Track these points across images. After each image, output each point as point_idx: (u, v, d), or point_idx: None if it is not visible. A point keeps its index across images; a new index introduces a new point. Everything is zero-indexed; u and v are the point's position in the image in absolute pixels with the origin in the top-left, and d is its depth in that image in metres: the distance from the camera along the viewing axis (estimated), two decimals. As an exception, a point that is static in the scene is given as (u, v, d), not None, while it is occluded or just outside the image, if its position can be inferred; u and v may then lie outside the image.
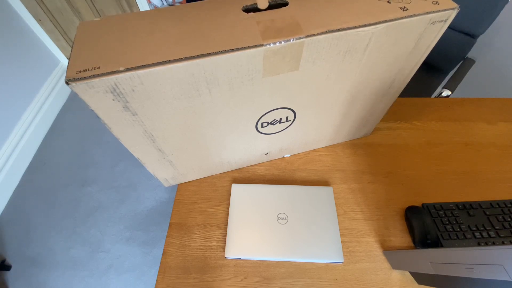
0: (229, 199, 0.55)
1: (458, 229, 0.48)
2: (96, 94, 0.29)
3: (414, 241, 0.48)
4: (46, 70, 1.60)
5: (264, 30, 0.31)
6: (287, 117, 0.46)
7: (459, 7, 0.34)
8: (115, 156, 1.40)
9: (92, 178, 1.34)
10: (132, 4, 1.50)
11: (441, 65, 1.06)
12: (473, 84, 1.22)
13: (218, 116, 0.40)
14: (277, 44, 0.31)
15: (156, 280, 0.46)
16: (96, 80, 0.28)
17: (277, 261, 0.48)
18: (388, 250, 0.48)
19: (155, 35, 0.31)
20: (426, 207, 0.51)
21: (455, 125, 0.61)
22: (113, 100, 0.31)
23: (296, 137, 0.53)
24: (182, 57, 0.29)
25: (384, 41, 0.35)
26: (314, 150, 0.61)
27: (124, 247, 1.13)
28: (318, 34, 0.32)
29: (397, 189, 0.55)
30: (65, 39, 1.63)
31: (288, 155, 0.60)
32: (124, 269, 1.09)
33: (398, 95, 0.50)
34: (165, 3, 1.49)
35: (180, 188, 0.57)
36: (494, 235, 0.47)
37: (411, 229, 0.49)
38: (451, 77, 0.94)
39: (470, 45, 0.95)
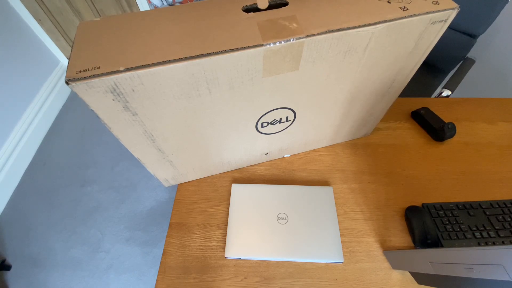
0: (229, 199, 0.55)
1: (458, 229, 0.48)
2: (96, 94, 0.30)
3: (414, 241, 0.48)
4: (46, 70, 1.60)
5: (264, 30, 0.31)
6: (287, 117, 0.46)
7: (459, 7, 0.34)
8: (115, 156, 1.40)
9: (92, 178, 1.34)
10: (132, 4, 1.50)
11: (441, 65, 1.06)
12: (473, 84, 1.22)
13: (218, 116, 0.40)
14: (277, 44, 0.31)
15: (156, 280, 0.46)
16: (96, 80, 0.28)
17: (277, 261, 0.48)
18: (388, 250, 0.48)
19: (155, 35, 0.31)
20: (426, 207, 0.51)
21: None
22: (113, 100, 0.31)
23: (296, 137, 0.53)
24: (182, 57, 0.29)
25: (384, 41, 0.35)
26: (314, 150, 0.61)
27: (124, 247, 1.13)
28: (318, 34, 0.32)
29: (397, 189, 0.55)
30: (65, 39, 1.63)
31: (288, 155, 0.60)
32: (124, 269, 1.09)
33: (398, 95, 0.50)
34: (165, 3, 1.49)
35: (180, 188, 0.57)
36: (494, 235, 0.47)
37: (411, 229, 0.49)
38: (451, 77, 0.94)
39: (470, 45, 0.96)
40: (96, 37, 0.32)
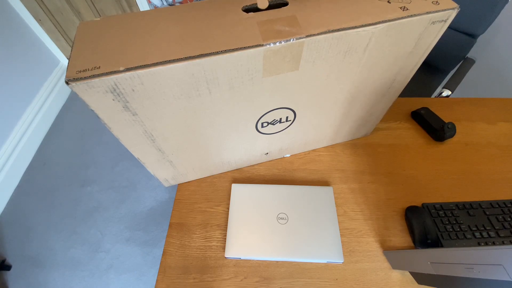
0: (229, 199, 0.55)
1: (458, 229, 0.48)
2: (96, 94, 0.30)
3: (414, 241, 0.48)
4: (46, 70, 1.60)
5: (264, 30, 0.31)
6: (287, 117, 0.46)
7: (459, 7, 0.34)
8: (115, 156, 1.40)
9: (92, 178, 1.34)
10: (132, 4, 1.50)
11: (441, 65, 1.06)
12: (473, 84, 1.22)
13: (218, 116, 0.40)
14: (277, 44, 0.31)
15: (156, 280, 0.46)
16: (96, 80, 0.28)
17: (277, 261, 0.48)
18: (388, 250, 0.48)
19: (155, 35, 0.31)
20: (426, 207, 0.51)
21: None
22: (113, 100, 0.31)
23: (296, 137, 0.53)
24: (182, 57, 0.29)
25: (384, 41, 0.35)
26: (314, 150, 0.61)
27: (124, 247, 1.13)
28: (318, 34, 0.32)
29: (397, 189, 0.55)
30: (65, 39, 1.63)
31: (288, 155, 0.60)
32: (124, 269, 1.09)
33: (398, 95, 0.50)
34: (165, 3, 1.49)
35: (180, 188, 0.57)
36: (494, 235, 0.47)
37: (411, 229, 0.49)
38: (451, 77, 0.94)
39: (470, 45, 0.96)
40: (96, 37, 0.32)
